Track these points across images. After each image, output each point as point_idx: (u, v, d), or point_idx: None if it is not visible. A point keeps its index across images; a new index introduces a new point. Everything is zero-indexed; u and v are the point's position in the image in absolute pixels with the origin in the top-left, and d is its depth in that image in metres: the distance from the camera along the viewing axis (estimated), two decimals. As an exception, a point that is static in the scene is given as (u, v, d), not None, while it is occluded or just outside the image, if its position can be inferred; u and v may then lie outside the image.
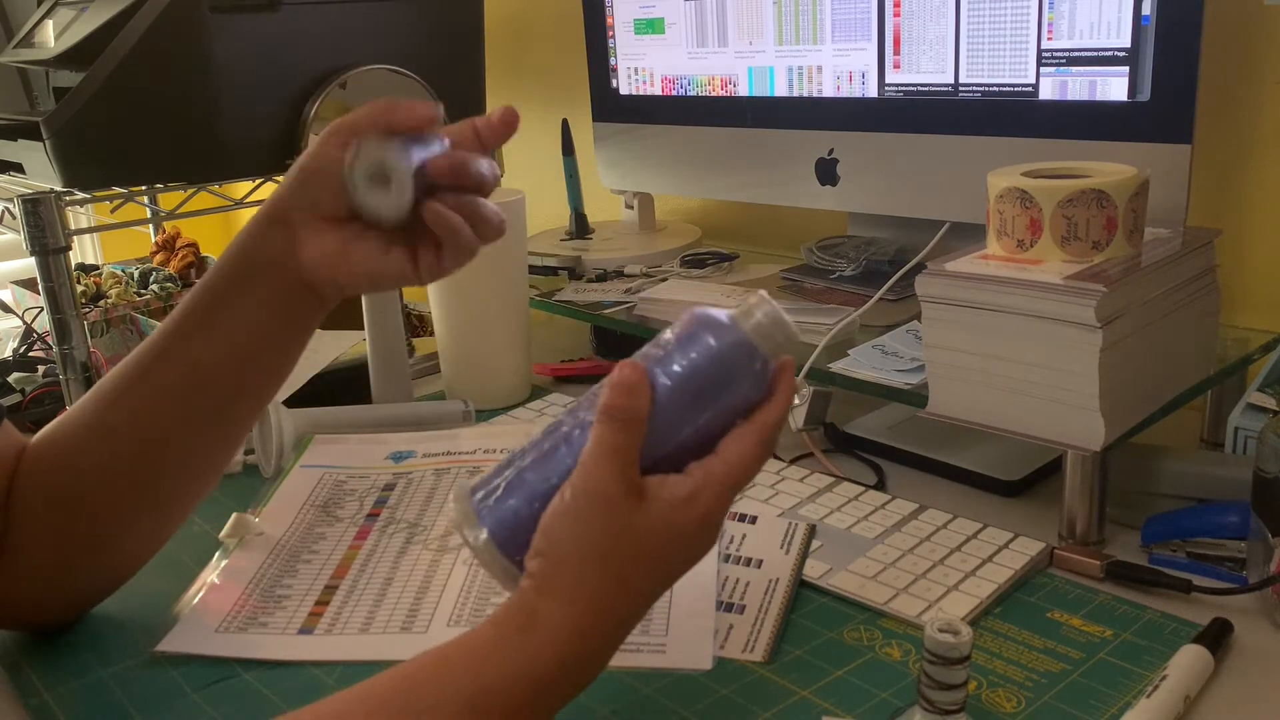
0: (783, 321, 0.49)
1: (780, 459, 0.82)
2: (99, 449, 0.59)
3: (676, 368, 0.48)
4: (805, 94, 0.98)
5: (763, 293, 0.49)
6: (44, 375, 1.43)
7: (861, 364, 0.79)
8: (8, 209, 1.08)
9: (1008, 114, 0.84)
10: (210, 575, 0.68)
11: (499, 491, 0.49)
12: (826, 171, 0.98)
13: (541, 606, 0.46)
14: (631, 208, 1.24)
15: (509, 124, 0.58)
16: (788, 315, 0.49)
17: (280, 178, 1.14)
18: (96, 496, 0.60)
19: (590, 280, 1.09)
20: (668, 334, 0.50)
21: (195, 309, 0.59)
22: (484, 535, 0.48)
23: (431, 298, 0.97)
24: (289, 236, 0.58)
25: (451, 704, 0.44)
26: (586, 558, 0.46)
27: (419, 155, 0.55)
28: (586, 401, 0.50)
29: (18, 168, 1.07)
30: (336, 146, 0.56)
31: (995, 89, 0.84)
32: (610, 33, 1.16)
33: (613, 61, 1.16)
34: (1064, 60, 0.80)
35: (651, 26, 1.11)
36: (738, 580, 0.65)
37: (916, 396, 0.73)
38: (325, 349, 1.01)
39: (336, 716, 0.44)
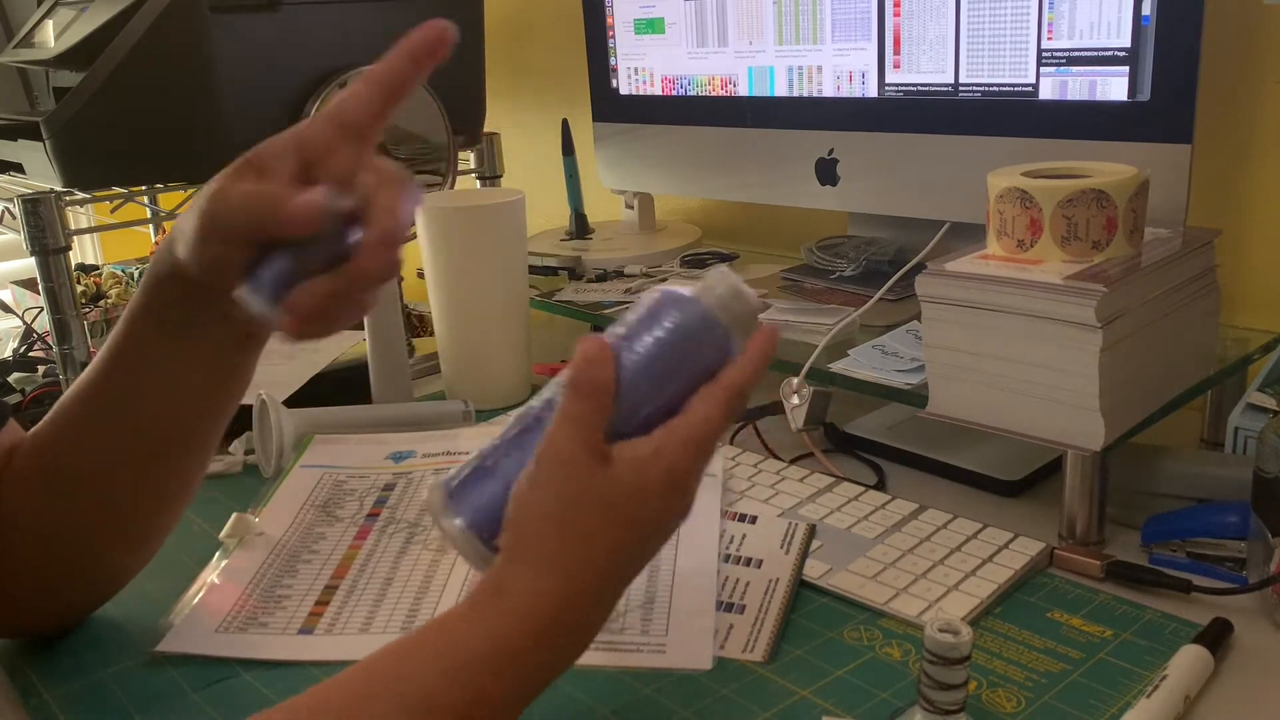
0: (742, 294, 0.50)
1: (780, 459, 0.82)
2: (78, 464, 0.59)
3: (641, 344, 0.49)
4: (805, 94, 0.98)
5: (723, 267, 0.51)
6: (44, 375, 1.43)
7: (861, 364, 0.79)
8: (8, 209, 1.08)
9: (1008, 114, 0.84)
10: (210, 575, 0.68)
11: (473, 479, 0.49)
12: (826, 171, 0.98)
13: (509, 574, 0.46)
14: (631, 208, 1.24)
15: (437, 36, 0.51)
16: (747, 288, 0.50)
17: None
18: (78, 511, 0.59)
19: (590, 280, 1.09)
20: (631, 314, 0.51)
21: (124, 358, 0.57)
22: (459, 522, 0.49)
23: (431, 298, 0.97)
24: (182, 288, 0.54)
25: (429, 676, 0.44)
26: (549, 522, 0.46)
27: (286, 272, 0.49)
28: (554, 386, 0.50)
29: (18, 168, 1.07)
30: (239, 181, 0.52)
31: (995, 89, 0.84)
32: (610, 33, 1.16)
33: (613, 61, 1.16)
34: (1064, 60, 0.80)
35: (651, 26, 1.11)
36: (738, 580, 0.65)
37: (916, 396, 0.73)
38: (325, 349, 1.01)
39: (319, 702, 0.44)
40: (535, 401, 0.51)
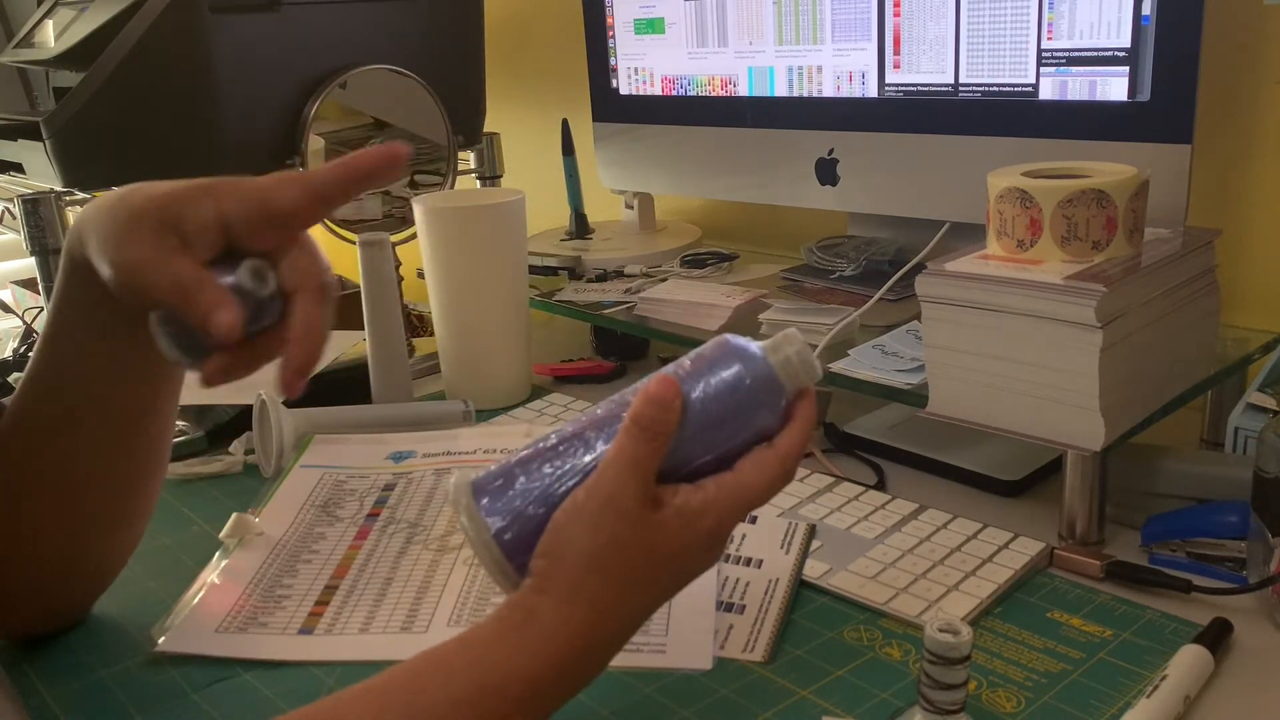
0: (812, 364, 0.50)
1: (780, 459, 0.82)
2: (23, 471, 0.59)
3: (701, 390, 0.49)
4: (805, 94, 0.98)
5: (793, 330, 0.51)
6: (44, 375, 1.43)
7: (861, 364, 0.79)
8: (8, 209, 1.08)
9: (1008, 114, 0.84)
10: (210, 575, 0.68)
11: (508, 488, 0.49)
12: (826, 171, 0.98)
13: (541, 605, 0.46)
14: (631, 208, 1.24)
15: (387, 163, 0.53)
16: (815, 358, 0.51)
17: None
18: (32, 515, 0.59)
19: (590, 280, 1.09)
20: (694, 355, 0.51)
21: (45, 328, 0.57)
22: (488, 530, 0.48)
23: (432, 298, 0.97)
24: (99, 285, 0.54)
25: (447, 701, 0.44)
26: (592, 562, 0.46)
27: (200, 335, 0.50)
28: (611, 407, 0.50)
29: (18, 168, 1.07)
30: (160, 245, 0.49)
31: (995, 89, 0.84)
32: (610, 33, 1.16)
33: (613, 61, 1.16)
34: (1064, 60, 0.80)
35: (651, 26, 1.11)
36: (738, 580, 0.65)
37: (916, 396, 0.73)
38: (325, 349, 1.01)
39: (334, 717, 0.44)
40: (587, 423, 0.50)
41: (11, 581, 0.60)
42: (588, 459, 0.48)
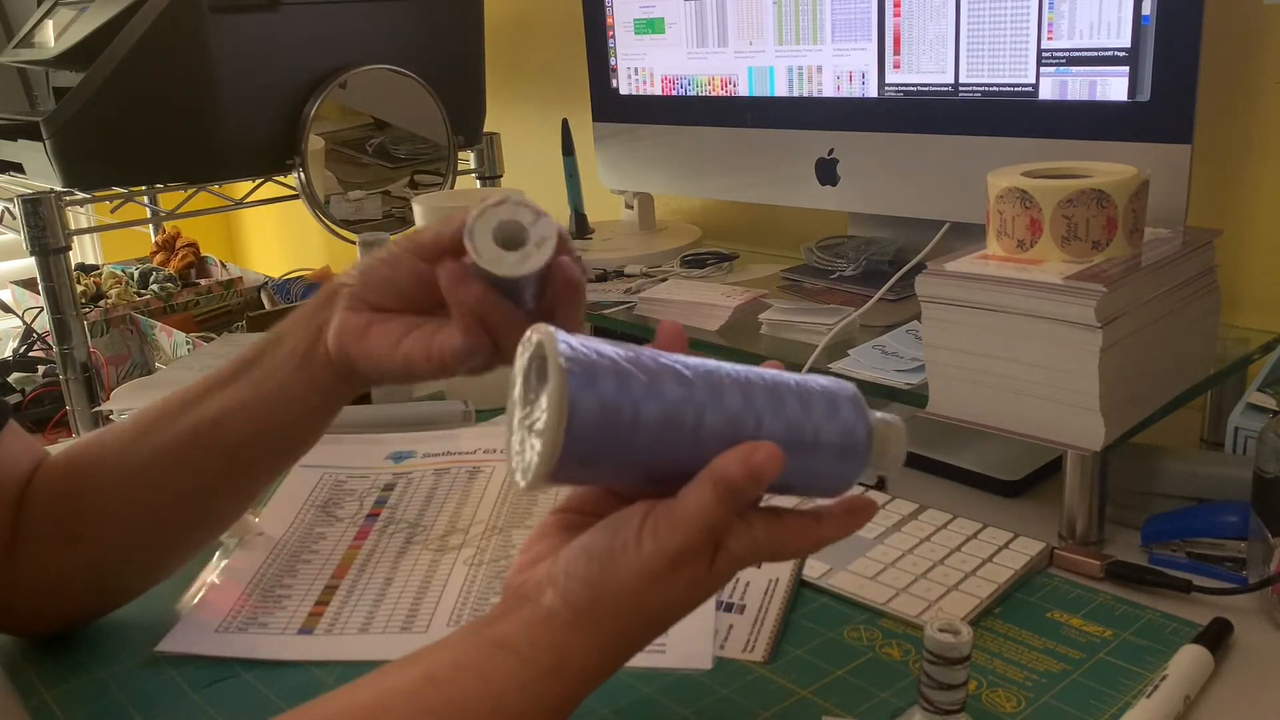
0: (899, 459, 0.49)
1: (780, 459, 0.82)
2: (113, 486, 0.59)
3: (807, 436, 0.46)
4: (805, 94, 0.99)
5: (900, 423, 0.50)
6: (44, 375, 1.43)
7: (861, 364, 0.79)
8: (8, 209, 1.08)
9: (1008, 114, 0.84)
10: (210, 575, 0.68)
11: (608, 411, 0.41)
12: (826, 171, 0.98)
13: (575, 647, 0.43)
14: (631, 208, 1.24)
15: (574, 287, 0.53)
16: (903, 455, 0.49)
17: (281, 178, 1.15)
18: (101, 529, 0.59)
19: (590, 280, 1.09)
20: (806, 392, 0.47)
21: (230, 364, 0.58)
22: (561, 440, 0.41)
23: (431, 298, 0.97)
24: (329, 305, 0.57)
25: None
26: (640, 614, 0.44)
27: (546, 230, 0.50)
28: (745, 393, 0.45)
29: (18, 168, 1.07)
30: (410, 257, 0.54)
31: (995, 89, 0.84)
32: (610, 33, 1.16)
33: (613, 61, 1.16)
34: (1064, 60, 0.80)
35: (651, 26, 1.11)
36: (738, 580, 0.65)
37: (916, 396, 0.73)
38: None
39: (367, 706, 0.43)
40: (707, 402, 0.44)
41: (50, 586, 0.60)
42: (699, 431, 0.43)
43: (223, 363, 0.59)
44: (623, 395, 0.42)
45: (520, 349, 0.44)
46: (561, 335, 0.42)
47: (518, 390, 0.44)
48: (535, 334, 0.43)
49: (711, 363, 0.46)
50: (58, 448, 0.66)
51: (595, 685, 0.45)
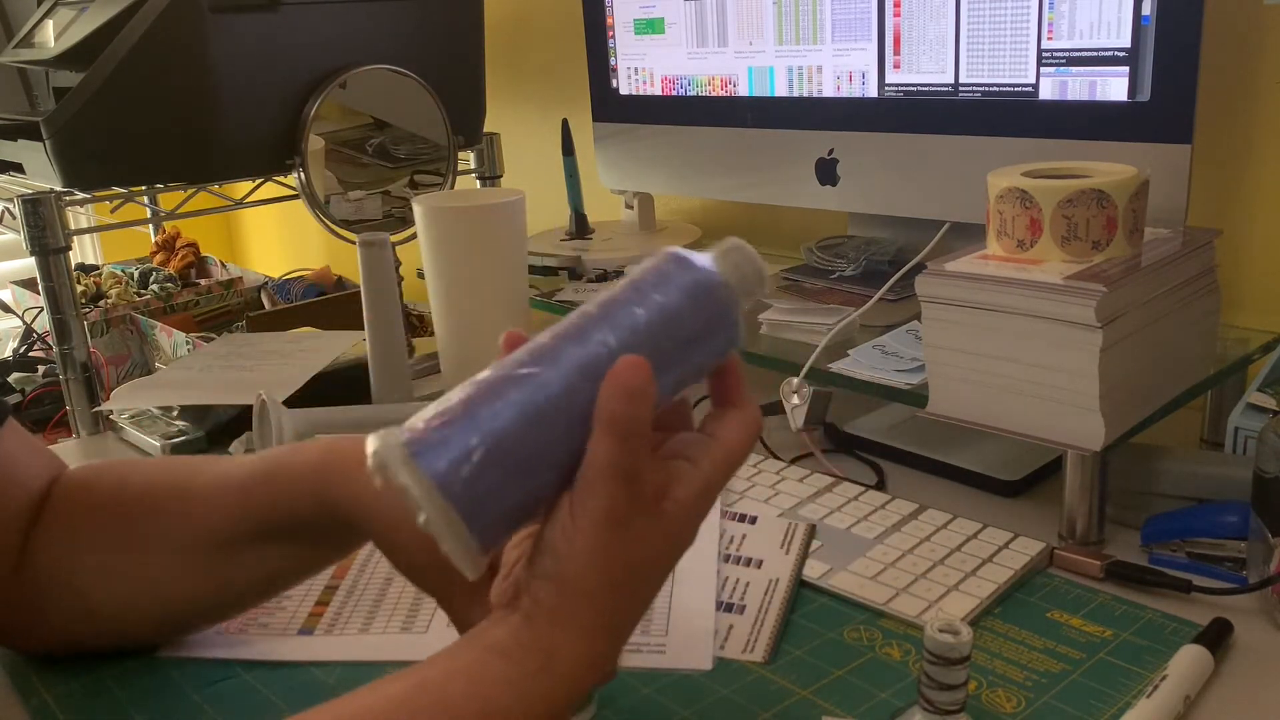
0: (760, 270, 0.45)
1: (780, 459, 0.82)
2: (187, 547, 0.58)
3: (657, 315, 0.43)
4: (805, 94, 0.98)
5: (735, 240, 0.45)
6: (44, 375, 1.43)
7: (861, 364, 0.79)
8: (8, 209, 1.08)
9: (1008, 114, 0.84)
10: (210, 575, 0.68)
11: (472, 459, 0.40)
12: (826, 171, 0.98)
13: (560, 642, 0.42)
14: (631, 208, 1.24)
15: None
16: (761, 261, 0.45)
17: (281, 178, 1.15)
18: (165, 571, 0.58)
19: (590, 280, 1.09)
20: (635, 284, 0.44)
21: (274, 507, 0.56)
22: (450, 508, 0.39)
23: (431, 298, 0.97)
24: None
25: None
26: (609, 586, 0.42)
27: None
28: (580, 335, 0.42)
29: (18, 168, 1.07)
30: None
31: (995, 89, 0.84)
32: (610, 33, 1.16)
33: (613, 61, 1.16)
34: (1064, 60, 0.80)
35: (651, 26, 1.11)
36: (738, 580, 0.65)
37: (916, 396, 0.73)
38: (325, 349, 1.01)
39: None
40: (552, 376, 0.42)
41: (68, 604, 0.59)
42: (568, 427, 0.41)
43: (253, 467, 0.58)
44: (467, 441, 0.40)
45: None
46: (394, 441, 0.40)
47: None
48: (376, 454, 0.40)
49: (544, 335, 0.44)
50: (61, 449, 0.65)
51: (596, 673, 0.44)
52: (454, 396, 0.42)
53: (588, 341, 0.43)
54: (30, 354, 1.49)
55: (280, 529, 0.56)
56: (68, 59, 1.02)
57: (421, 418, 0.41)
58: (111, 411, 1.01)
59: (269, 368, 0.97)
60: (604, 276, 1.09)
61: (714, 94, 1.07)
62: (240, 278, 1.72)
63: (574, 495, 0.42)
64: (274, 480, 0.56)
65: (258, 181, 1.20)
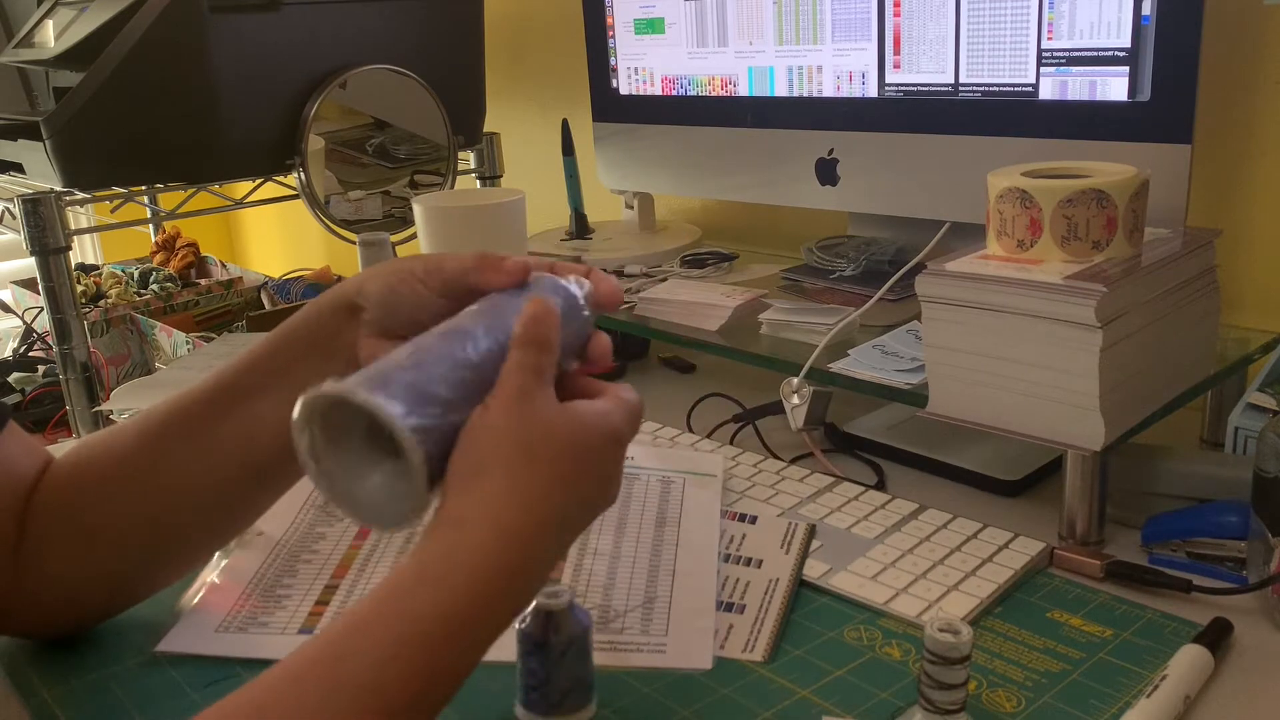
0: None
1: (780, 459, 0.82)
2: (129, 488, 0.59)
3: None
4: (805, 94, 0.99)
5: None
6: (44, 375, 1.43)
7: (861, 364, 0.79)
8: (8, 209, 1.08)
9: (1008, 114, 0.84)
10: (210, 575, 0.68)
11: (413, 394, 0.45)
12: (826, 171, 0.98)
13: (467, 510, 0.45)
14: (631, 208, 1.24)
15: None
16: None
17: (281, 178, 1.15)
18: (117, 533, 0.59)
19: (590, 280, 1.09)
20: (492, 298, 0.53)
21: (255, 368, 0.58)
22: (409, 423, 0.44)
23: (431, 298, 0.97)
24: (349, 324, 0.57)
25: (371, 665, 0.42)
26: (512, 455, 0.45)
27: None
28: (480, 325, 0.49)
29: (18, 168, 1.07)
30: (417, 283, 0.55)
31: (995, 89, 0.84)
32: (610, 33, 1.16)
33: (613, 61, 1.16)
34: (1064, 60, 0.80)
35: (651, 26, 1.11)
36: (738, 580, 0.65)
37: (916, 396, 0.73)
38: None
39: (256, 710, 0.42)
40: (470, 351, 0.48)
41: (62, 588, 0.60)
42: (474, 382, 0.47)
43: (226, 362, 0.58)
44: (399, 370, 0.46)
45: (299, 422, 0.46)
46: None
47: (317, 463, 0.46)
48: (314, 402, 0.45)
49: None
50: (60, 448, 0.66)
51: (512, 547, 0.45)
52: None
53: (496, 314, 0.51)
54: (30, 354, 1.49)
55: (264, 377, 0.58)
56: (68, 59, 1.02)
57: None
58: (111, 411, 1.01)
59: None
60: (604, 276, 1.09)
61: (714, 94, 1.07)
62: (240, 278, 1.72)
63: (491, 393, 0.47)
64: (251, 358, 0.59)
65: (258, 181, 1.20)
